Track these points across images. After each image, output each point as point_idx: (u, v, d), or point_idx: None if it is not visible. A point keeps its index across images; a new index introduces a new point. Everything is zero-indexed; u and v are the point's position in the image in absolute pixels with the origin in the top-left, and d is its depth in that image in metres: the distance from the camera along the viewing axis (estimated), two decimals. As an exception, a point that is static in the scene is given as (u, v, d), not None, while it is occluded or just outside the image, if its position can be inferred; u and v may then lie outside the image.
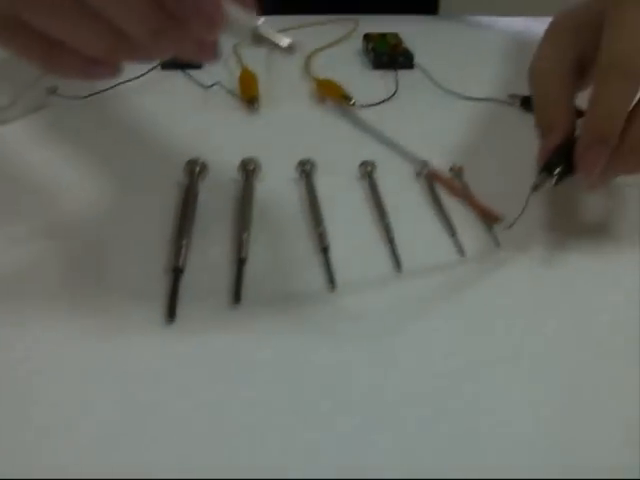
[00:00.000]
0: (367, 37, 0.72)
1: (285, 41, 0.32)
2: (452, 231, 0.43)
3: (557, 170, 0.40)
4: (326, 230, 0.42)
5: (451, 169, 0.49)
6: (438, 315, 0.37)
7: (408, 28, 0.77)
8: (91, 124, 0.56)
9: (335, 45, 0.75)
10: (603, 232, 0.44)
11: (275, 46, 0.32)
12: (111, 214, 0.44)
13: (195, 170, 0.46)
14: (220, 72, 0.67)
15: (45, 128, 0.55)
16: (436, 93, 0.63)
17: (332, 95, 0.59)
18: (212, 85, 0.62)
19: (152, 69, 0.66)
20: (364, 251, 0.41)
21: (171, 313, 0.36)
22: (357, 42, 0.74)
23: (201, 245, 0.41)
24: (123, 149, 0.52)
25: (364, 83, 0.66)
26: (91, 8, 0.30)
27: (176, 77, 0.66)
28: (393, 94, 0.61)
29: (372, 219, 0.44)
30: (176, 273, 0.38)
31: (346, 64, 0.70)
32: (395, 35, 0.72)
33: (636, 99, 0.39)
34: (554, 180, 0.40)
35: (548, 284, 0.40)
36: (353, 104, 0.57)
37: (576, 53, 0.43)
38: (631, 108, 0.38)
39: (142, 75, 0.64)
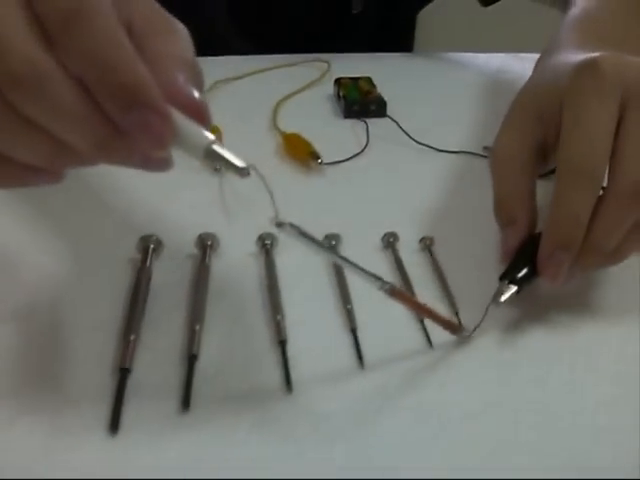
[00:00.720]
0: (338, 82, 0.69)
1: (240, 163, 0.29)
2: (419, 317, 0.40)
3: (520, 275, 0.38)
4: (285, 318, 0.39)
5: (421, 241, 0.46)
6: (405, 413, 0.35)
7: (382, 68, 0.75)
8: (38, 189, 0.54)
9: (306, 89, 0.72)
10: (571, 308, 0.42)
11: (230, 166, 0.29)
12: (59, 298, 0.42)
13: (149, 248, 0.43)
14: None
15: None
16: (409, 145, 0.60)
17: (299, 153, 0.56)
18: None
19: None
20: (326, 341, 0.39)
21: (114, 424, 0.33)
22: (329, 85, 0.72)
23: (152, 337, 0.38)
24: (74, 217, 0.49)
25: (334, 134, 0.64)
26: (31, 121, 0.27)
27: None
28: (363, 149, 0.59)
29: (335, 301, 0.41)
30: (123, 373, 0.36)
31: (316, 112, 0.68)
32: (368, 80, 0.69)
33: (596, 199, 0.37)
34: (517, 289, 0.38)
35: (519, 373, 0.38)
36: (320, 163, 0.55)
37: (538, 138, 0.41)
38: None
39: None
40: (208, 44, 0.84)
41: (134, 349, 0.37)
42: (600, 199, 0.37)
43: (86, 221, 0.49)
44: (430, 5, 0.98)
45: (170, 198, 0.51)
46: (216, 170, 0.54)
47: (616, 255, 0.39)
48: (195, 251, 0.45)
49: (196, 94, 0.30)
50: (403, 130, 0.61)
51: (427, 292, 0.42)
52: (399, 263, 0.44)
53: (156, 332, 0.39)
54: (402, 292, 0.37)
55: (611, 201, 0.37)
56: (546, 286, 0.39)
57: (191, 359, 0.37)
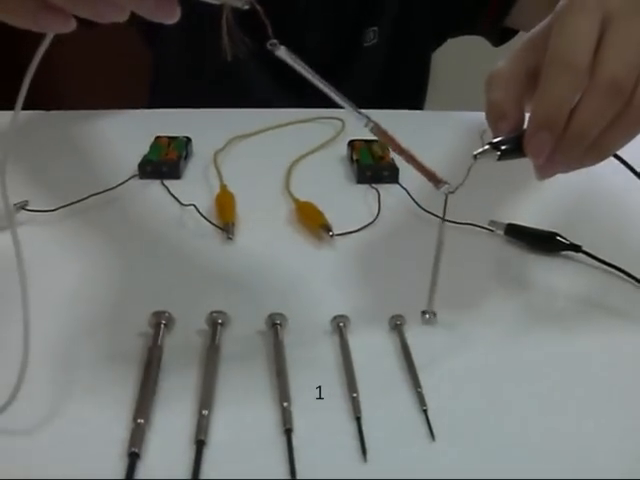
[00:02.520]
0: (352, 145, 0.71)
1: None
2: (423, 404, 0.41)
3: (503, 147, 0.42)
4: (291, 404, 0.40)
5: (424, 313, 0.47)
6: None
7: (396, 127, 0.76)
8: (57, 245, 0.55)
9: (320, 149, 0.73)
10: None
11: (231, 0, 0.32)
12: (68, 370, 0.42)
13: (161, 324, 0.44)
14: (199, 185, 0.66)
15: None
16: (419, 214, 0.61)
17: (311, 223, 0.57)
18: (187, 205, 0.61)
19: (130, 178, 0.65)
20: (331, 429, 0.39)
21: (122, 512, 0.34)
22: (342, 145, 0.73)
23: (162, 419, 0.39)
24: (87, 289, 0.50)
25: (346, 200, 0.65)
26: None
27: (153, 188, 0.65)
28: (374, 219, 0.60)
29: (341, 386, 0.42)
30: (132, 458, 0.37)
31: (329, 174, 0.69)
32: (381, 143, 0.71)
33: (579, 92, 0.41)
34: (498, 154, 0.42)
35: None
36: (332, 236, 0.56)
37: (529, 64, 0.44)
38: (575, 101, 0.41)
39: (119, 185, 0.63)
40: (227, 74, 0.87)
41: (144, 433, 0.38)
42: (580, 97, 0.41)
43: (98, 293, 0.50)
44: (444, 60, 1.00)
45: (183, 270, 0.52)
46: (229, 238, 0.56)
47: (597, 148, 0.42)
48: (206, 327, 0.45)
49: None
50: (413, 200, 0.62)
51: (433, 380, 0.43)
52: (405, 348, 0.45)
53: (166, 414, 0.40)
54: (386, 133, 0.40)
55: (591, 94, 0.40)
56: (536, 175, 0.44)
57: (199, 444, 0.37)
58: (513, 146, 0.42)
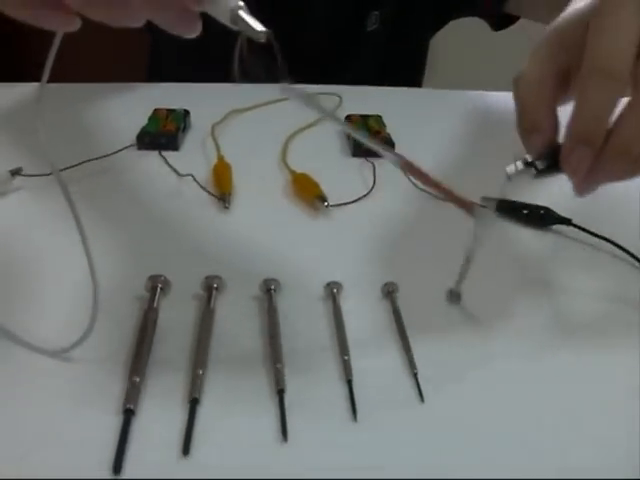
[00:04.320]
0: (349, 119, 0.71)
1: (260, 28, 0.32)
2: (414, 367, 0.42)
3: (541, 166, 0.40)
4: (284, 367, 0.41)
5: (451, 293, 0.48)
6: (396, 467, 0.36)
7: (392, 104, 0.77)
8: (54, 210, 0.55)
9: (317, 123, 0.74)
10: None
11: (249, 30, 0.32)
12: (65, 332, 0.43)
13: (157, 287, 0.45)
14: (196, 156, 0.67)
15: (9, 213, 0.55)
16: (413, 188, 0.62)
17: (307, 194, 0.58)
18: (185, 175, 0.61)
19: (126, 147, 0.65)
20: (322, 391, 0.40)
21: (117, 467, 0.35)
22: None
23: (157, 378, 0.40)
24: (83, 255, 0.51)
25: (342, 172, 0.66)
26: None
27: (150, 158, 0.66)
28: (369, 192, 0.61)
29: (332, 350, 0.43)
30: (127, 415, 0.37)
31: (325, 148, 0.70)
32: (377, 119, 0.71)
33: (621, 103, 0.38)
34: (535, 173, 0.40)
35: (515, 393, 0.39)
36: (327, 206, 0.56)
37: (560, 64, 0.42)
38: (617, 112, 0.38)
39: (116, 152, 0.64)
40: (228, 62, 0.86)
41: (139, 390, 0.39)
42: (623, 108, 0.38)
43: (95, 258, 0.50)
44: (442, 42, 1.00)
45: (180, 237, 0.53)
46: (226, 207, 0.56)
47: None
48: (201, 292, 0.46)
49: None
50: (407, 175, 0.62)
51: (423, 345, 0.43)
52: (396, 313, 0.46)
53: (161, 373, 0.40)
54: (420, 170, 0.39)
55: (636, 107, 0.38)
56: (574, 191, 0.42)
57: (193, 402, 0.38)
58: (549, 162, 0.40)
